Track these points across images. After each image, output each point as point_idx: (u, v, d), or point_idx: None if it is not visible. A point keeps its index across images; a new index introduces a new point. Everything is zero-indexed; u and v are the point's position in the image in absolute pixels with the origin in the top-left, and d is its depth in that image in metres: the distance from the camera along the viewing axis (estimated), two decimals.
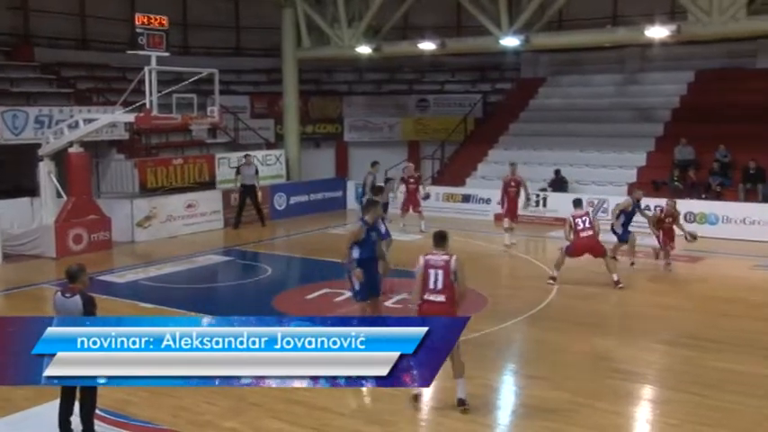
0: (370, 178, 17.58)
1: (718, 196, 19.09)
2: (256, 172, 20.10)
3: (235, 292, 14.12)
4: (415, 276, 8.13)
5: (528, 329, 11.09)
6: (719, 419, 7.69)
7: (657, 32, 18.15)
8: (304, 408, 8.05)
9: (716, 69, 23.39)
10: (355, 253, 9.66)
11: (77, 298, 6.95)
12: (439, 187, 22.83)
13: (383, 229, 10.22)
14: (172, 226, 18.63)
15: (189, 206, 19.18)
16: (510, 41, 19.91)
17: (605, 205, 19.52)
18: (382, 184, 16.24)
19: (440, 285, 7.94)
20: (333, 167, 26.96)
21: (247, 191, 19.75)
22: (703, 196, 19.19)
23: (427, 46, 21.28)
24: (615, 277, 13.15)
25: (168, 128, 19.51)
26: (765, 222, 17.21)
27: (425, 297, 8.00)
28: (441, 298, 7.94)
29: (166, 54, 16.22)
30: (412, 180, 19.19)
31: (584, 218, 13.39)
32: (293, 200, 22.25)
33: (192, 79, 16.75)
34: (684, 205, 18.50)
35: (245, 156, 20.52)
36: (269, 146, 24.74)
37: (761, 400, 8.18)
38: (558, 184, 21.01)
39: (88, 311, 6.87)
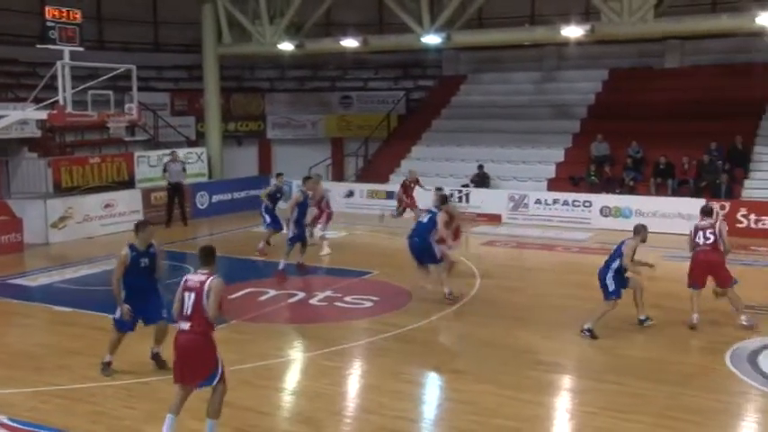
0: (272, 189, 16.68)
1: (631, 191, 19.80)
2: (183, 169, 19.84)
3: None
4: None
5: (452, 324, 11.23)
6: (634, 406, 7.96)
7: (573, 32, 18.67)
8: (229, 408, 7.91)
9: (628, 68, 24.29)
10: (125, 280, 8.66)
11: None
12: (363, 184, 22.89)
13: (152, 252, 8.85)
14: (89, 226, 18.08)
15: (107, 206, 18.66)
16: (431, 39, 20.10)
17: (525, 200, 19.98)
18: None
19: (189, 310, 6.80)
20: (256, 165, 26.67)
21: (174, 188, 19.44)
22: (618, 191, 19.86)
23: (350, 43, 21.27)
24: (744, 321, 10.52)
25: (84, 125, 18.91)
26: (675, 215, 17.89)
27: (178, 325, 6.92)
28: (186, 326, 6.82)
29: (80, 49, 15.70)
30: (413, 184, 18.88)
31: (708, 231, 10.66)
32: (215, 198, 21.92)
33: (109, 75, 16.27)
34: (600, 199, 19.18)
35: (172, 152, 20.19)
36: (190, 144, 24.27)
37: (670, 385, 8.50)
38: (481, 179, 21.35)
39: None
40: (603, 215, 18.95)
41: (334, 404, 8.27)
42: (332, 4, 22.27)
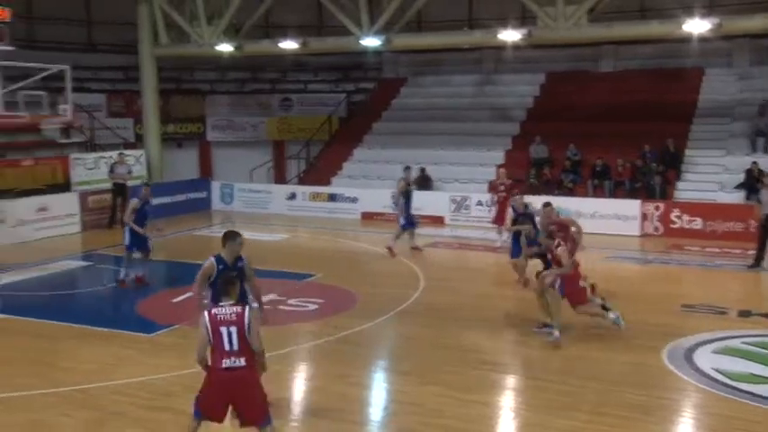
0: (402, 184, 16.37)
1: (570, 192, 20.23)
2: (129, 171, 19.68)
3: (96, 298, 13.45)
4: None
5: (397, 326, 11.29)
6: (568, 403, 8.15)
7: (510, 36, 19.03)
8: (170, 414, 7.82)
9: (564, 72, 24.80)
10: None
11: None
12: (305, 187, 22.85)
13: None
14: (22, 231, 17.54)
15: (41, 210, 18.14)
16: (370, 42, 20.19)
17: (467, 202, 20.22)
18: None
19: (236, 346, 6.35)
20: (196, 168, 26.33)
21: (119, 190, 19.17)
22: (557, 192, 20.24)
23: (289, 45, 21.20)
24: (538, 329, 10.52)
25: (15, 127, 18.32)
26: (612, 216, 18.40)
27: (221, 365, 6.36)
28: (240, 362, 6.38)
29: (10, 48, 15.27)
30: (502, 188, 16.74)
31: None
32: (156, 201, 21.34)
33: (41, 75, 15.92)
34: (540, 201, 19.45)
35: (119, 154, 19.99)
36: (128, 146, 23.80)
37: (607, 383, 8.71)
38: (423, 182, 21.51)
39: None
40: None
41: (281, 408, 8.20)
42: (271, 5, 22.17)
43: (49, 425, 7.54)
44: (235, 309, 6.43)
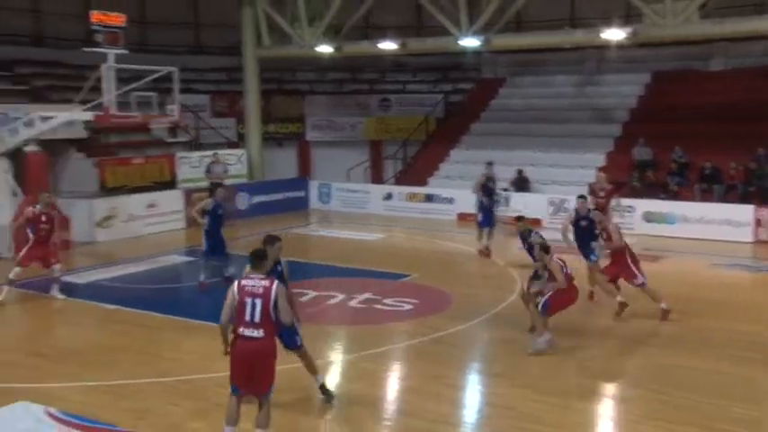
0: (481, 179, 16.21)
1: (675, 196, 19.48)
2: (225, 170, 20.09)
3: (197, 292, 13.92)
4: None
5: (492, 329, 11.16)
6: (672, 415, 7.81)
7: (614, 35, 18.45)
8: (272, 409, 7.98)
9: (671, 71, 23.90)
10: None
11: None
12: (401, 187, 22.94)
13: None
14: (133, 226, 18.38)
15: (150, 206, 18.94)
16: (469, 42, 20.06)
17: (565, 204, 19.78)
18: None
19: (258, 317, 6.57)
20: (295, 167, 26.86)
21: (216, 189, 19.63)
22: (662, 196, 19.56)
23: (388, 46, 21.32)
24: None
25: (128, 126, 19.21)
26: (721, 222, 17.61)
27: (240, 331, 6.62)
28: (258, 333, 6.59)
29: (125, 52, 16.00)
30: (602, 193, 15.39)
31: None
32: (255, 199, 22.11)
33: (151, 77, 16.56)
34: (644, 205, 18.88)
35: (214, 154, 20.48)
36: (230, 145, 24.53)
37: (707, 396, 8.29)
38: (521, 183, 21.23)
39: None
40: (647, 221, 18.66)
41: (375, 407, 8.28)
42: (371, 6, 22.37)
43: (158, 413, 7.84)
44: (263, 282, 6.61)
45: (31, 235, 12.55)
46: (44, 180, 16.82)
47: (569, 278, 9.88)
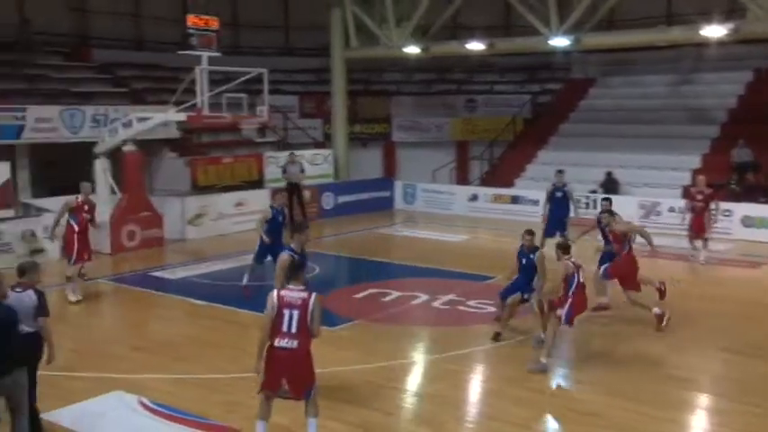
0: (549, 188, 15.55)
1: None
2: (302, 170, 20.23)
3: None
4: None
5: (578, 333, 10.88)
6: None
7: (714, 31, 17.74)
8: (352, 406, 8.07)
9: None
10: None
11: (30, 292, 6.95)
12: (487, 188, 22.73)
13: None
14: (222, 224, 18.86)
15: (238, 204, 19.39)
16: (559, 41, 19.68)
17: (658, 207, 19.19)
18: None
19: (294, 328, 6.69)
20: (380, 167, 27.01)
21: (292, 189, 19.93)
22: (762, 200, 18.69)
23: (476, 46, 21.16)
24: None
25: (219, 127, 19.74)
26: None
27: (276, 342, 6.73)
28: (293, 344, 6.70)
29: (217, 54, 16.44)
30: (700, 196, 15.11)
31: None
32: (341, 199, 22.35)
33: (242, 79, 16.92)
34: (742, 209, 18.07)
35: (290, 154, 20.71)
36: (317, 145, 24.89)
37: None
38: (610, 185, 20.69)
39: (42, 304, 6.92)
40: (745, 226, 17.85)
41: (457, 408, 8.23)
42: (459, 7, 22.25)
43: (247, 406, 7.97)
44: (301, 294, 6.73)
45: (75, 226, 12.47)
46: (140, 179, 17.48)
47: (581, 286, 9.48)
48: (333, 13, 23.20)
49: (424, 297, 12.65)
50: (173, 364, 9.40)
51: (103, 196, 16.97)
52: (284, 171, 20.29)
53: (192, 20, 16.11)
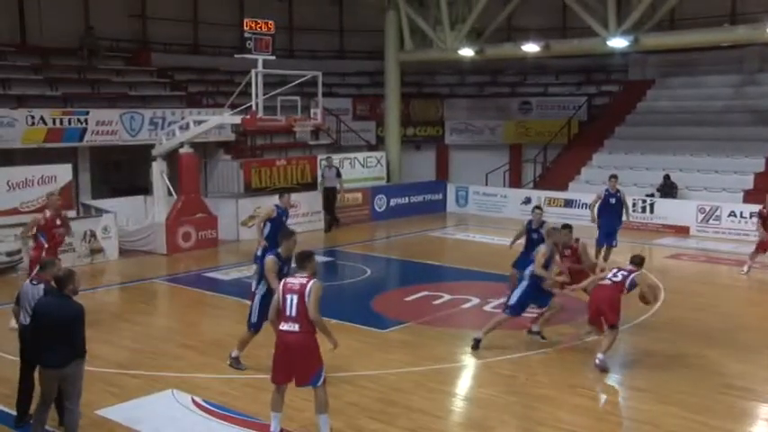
0: (602, 192, 15.14)
1: None
2: (338, 174, 20.17)
3: (334, 292, 14.07)
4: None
5: (634, 339, 10.68)
6: None
7: None
8: (401, 409, 8.04)
9: None
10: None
11: (41, 286, 7.38)
12: (540, 191, 22.44)
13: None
14: None
15: (291, 206, 19.47)
16: (618, 42, 19.32)
17: (717, 212, 18.67)
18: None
19: (294, 312, 6.97)
20: (433, 170, 26.92)
21: (328, 193, 19.95)
22: None
23: (531, 48, 20.93)
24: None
25: (273, 129, 19.94)
26: None
27: (280, 326, 7.08)
28: (294, 327, 6.99)
29: (272, 57, 16.60)
30: None
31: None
32: (393, 202, 22.36)
33: (296, 82, 17.07)
34: None
35: (327, 158, 20.69)
36: (370, 148, 24.94)
37: None
38: (667, 189, 20.22)
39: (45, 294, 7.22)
40: None
41: (507, 413, 8.14)
42: (514, 8, 22.04)
43: (291, 407, 8.05)
44: (301, 280, 7.01)
45: (43, 242, 11.16)
46: (196, 181, 17.77)
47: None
48: (387, 16, 23.22)
49: (475, 300, 12.56)
50: (223, 363, 9.49)
51: (160, 198, 17.32)
52: (322, 176, 20.32)
53: (248, 24, 16.32)
